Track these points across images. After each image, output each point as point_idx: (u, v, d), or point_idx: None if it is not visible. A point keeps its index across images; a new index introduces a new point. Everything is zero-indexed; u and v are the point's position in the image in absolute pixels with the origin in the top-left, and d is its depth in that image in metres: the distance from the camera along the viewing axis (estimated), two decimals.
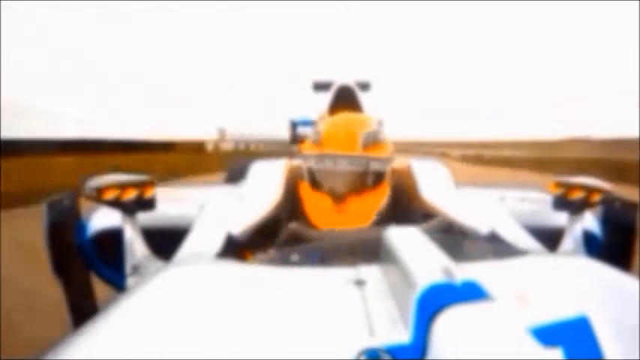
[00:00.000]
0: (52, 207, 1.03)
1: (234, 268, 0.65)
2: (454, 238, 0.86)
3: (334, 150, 0.98)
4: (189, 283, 0.59)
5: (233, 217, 1.00)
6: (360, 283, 0.56)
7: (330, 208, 0.99)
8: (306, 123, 5.44)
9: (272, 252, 0.76)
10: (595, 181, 0.94)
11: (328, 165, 0.97)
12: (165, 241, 0.87)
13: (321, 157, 0.99)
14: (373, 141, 1.00)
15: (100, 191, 0.84)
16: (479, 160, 20.38)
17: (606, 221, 1.16)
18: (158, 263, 0.85)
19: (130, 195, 0.86)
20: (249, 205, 1.08)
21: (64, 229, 1.05)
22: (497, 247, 0.82)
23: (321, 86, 4.05)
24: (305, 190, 1.05)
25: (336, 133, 1.01)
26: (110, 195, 0.85)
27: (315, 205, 1.03)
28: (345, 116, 1.16)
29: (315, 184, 1.01)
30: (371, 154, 0.98)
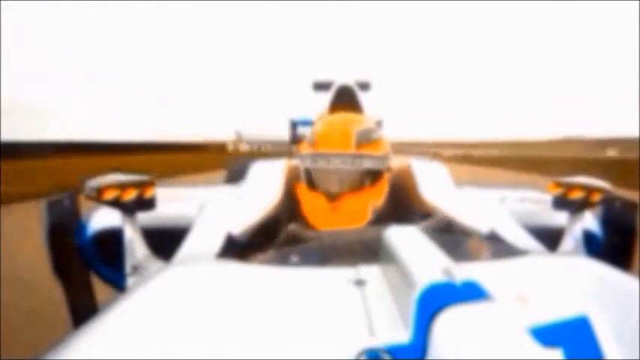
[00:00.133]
0: (51, 207, 1.03)
1: (234, 268, 0.64)
2: (454, 238, 0.86)
3: (328, 149, 0.98)
4: (189, 283, 0.59)
5: (233, 217, 1.00)
6: (360, 283, 0.56)
7: (325, 208, 0.99)
8: (306, 123, 5.44)
9: (271, 253, 0.76)
10: (595, 181, 0.94)
11: (322, 164, 0.98)
12: (165, 241, 0.87)
13: (315, 157, 0.99)
14: (367, 139, 1.00)
15: (99, 191, 0.84)
16: (466, 160, 21.13)
17: (606, 221, 1.16)
18: (158, 263, 0.85)
19: (130, 195, 0.86)
20: (249, 205, 1.08)
21: (64, 229, 1.05)
22: (497, 247, 0.82)
23: (321, 86, 4.05)
24: (302, 190, 1.06)
25: (329, 132, 1.01)
26: (110, 195, 0.85)
27: (311, 204, 1.03)
28: (339, 116, 1.16)
29: (312, 183, 1.01)
30: (365, 152, 0.98)
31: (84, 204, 1.07)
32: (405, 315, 0.45)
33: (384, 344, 0.42)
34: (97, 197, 0.85)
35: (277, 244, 0.90)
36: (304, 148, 1.04)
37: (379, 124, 1.14)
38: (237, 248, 0.90)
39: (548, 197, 1.01)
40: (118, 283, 1.01)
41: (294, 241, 0.88)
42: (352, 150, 0.97)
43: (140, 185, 0.87)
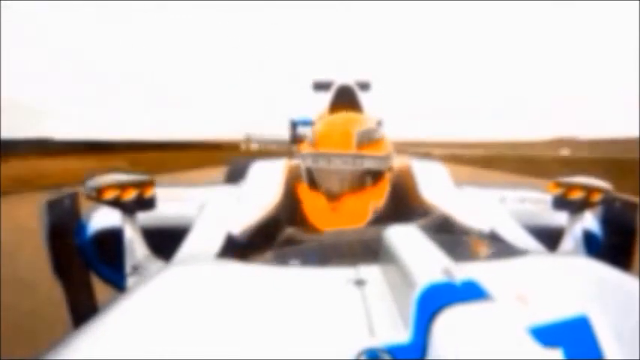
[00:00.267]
0: (51, 207, 1.03)
1: (234, 268, 0.64)
2: (454, 238, 0.86)
3: (329, 149, 0.98)
4: (189, 283, 0.58)
5: (233, 217, 1.00)
6: (360, 283, 0.56)
7: (325, 207, 0.99)
8: (306, 123, 5.43)
9: (271, 253, 0.76)
10: (595, 181, 0.94)
11: (323, 164, 0.98)
12: (165, 241, 0.87)
13: (316, 157, 0.99)
14: (368, 139, 1.00)
15: (99, 191, 0.84)
16: (452, 159, 21.75)
17: (606, 221, 1.16)
18: (158, 263, 0.85)
19: (130, 195, 0.86)
20: (249, 205, 1.08)
21: (64, 229, 1.05)
22: (497, 246, 0.82)
23: (321, 86, 4.05)
24: (303, 190, 1.06)
25: (330, 132, 1.01)
26: (110, 195, 0.85)
27: (312, 204, 1.03)
28: (340, 115, 1.16)
29: (313, 183, 1.01)
30: (366, 152, 0.98)
31: (84, 204, 1.07)
32: (405, 315, 0.45)
33: (384, 344, 0.42)
34: (97, 197, 0.85)
35: (276, 246, 0.90)
36: (305, 148, 1.04)
37: (380, 123, 1.14)
38: (237, 248, 0.90)
39: (548, 197, 1.01)
40: (118, 283, 1.01)
41: (293, 244, 0.88)
42: (353, 150, 0.97)
43: (140, 185, 0.87)
